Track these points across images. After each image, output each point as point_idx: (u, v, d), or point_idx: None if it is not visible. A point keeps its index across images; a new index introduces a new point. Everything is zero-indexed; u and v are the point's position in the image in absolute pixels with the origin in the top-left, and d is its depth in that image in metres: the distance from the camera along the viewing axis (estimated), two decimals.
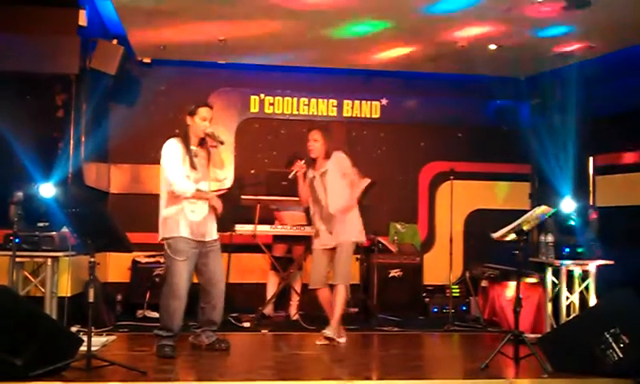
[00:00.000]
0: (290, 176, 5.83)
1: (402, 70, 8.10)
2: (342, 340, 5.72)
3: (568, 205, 6.45)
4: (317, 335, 5.89)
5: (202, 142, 5.24)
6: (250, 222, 6.69)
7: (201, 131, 5.17)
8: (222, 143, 5.21)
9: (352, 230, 5.70)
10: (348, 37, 6.74)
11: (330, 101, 8.33)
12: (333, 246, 5.69)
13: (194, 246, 5.12)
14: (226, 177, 5.45)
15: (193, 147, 5.19)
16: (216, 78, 8.08)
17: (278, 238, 7.13)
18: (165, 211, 5.13)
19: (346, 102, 8.35)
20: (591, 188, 7.44)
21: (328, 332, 5.59)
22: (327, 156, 5.74)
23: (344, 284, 5.66)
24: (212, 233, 5.26)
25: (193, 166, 5.11)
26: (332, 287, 5.74)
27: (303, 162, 5.79)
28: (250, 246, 7.07)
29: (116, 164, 7.86)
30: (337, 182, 5.71)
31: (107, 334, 5.84)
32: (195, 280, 5.31)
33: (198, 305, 5.33)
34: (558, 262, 5.99)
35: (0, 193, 5.56)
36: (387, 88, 8.38)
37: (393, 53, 7.36)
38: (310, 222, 7.07)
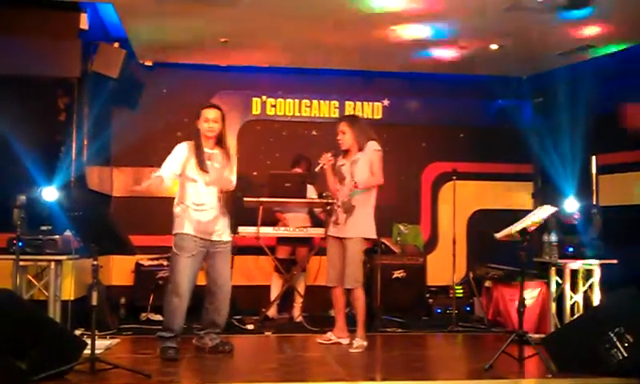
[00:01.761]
0: (316, 169, 5.87)
1: (403, 70, 8.10)
2: (346, 341, 5.72)
3: (571, 204, 6.45)
4: (321, 336, 5.89)
5: (218, 142, 5.25)
6: (253, 224, 6.68)
7: (206, 133, 5.19)
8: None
9: (361, 226, 5.64)
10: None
11: (332, 102, 8.33)
12: (343, 236, 5.65)
13: (201, 244, 5.13)
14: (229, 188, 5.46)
15: (207, 150, 5.20)
16: (218, 80, 8.08)
17: (281, 240, 7.13)
18: (174, 209, 5.20)
19: (347, 103, 8.34)
20: (594, 187, 7.43)
21: (360, 342, 5.60)
22: (360, 147, 5.68)
23: (357, 287, 5.64)
24: (221, 233, 5.25)
25: (203, 169, 5.14)
26: (348, 291, 5.74)
27: (330, 154, 5.76)
28: (253, 248, 7.07)
29: (118, 167, 7.86)
30: (365, 174, 5.64)
31: (111, 337, 5.84)
32: (203, 282, 5.32)
33: (202, 305, 5.34)
34: (561, 262, 5.98)
35: (3, 196, 5.55)
36: (389, 89, 8.38)
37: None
38: (313, 224, 7.11)
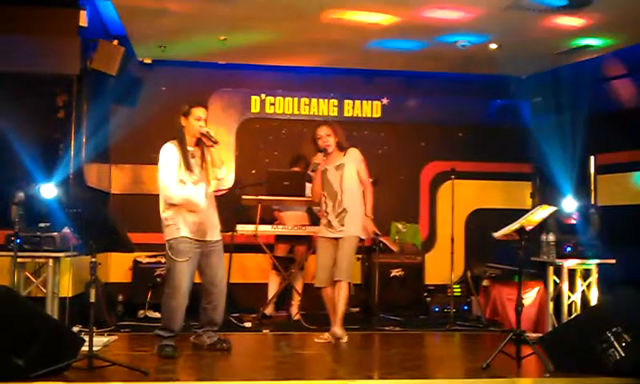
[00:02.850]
0: (312, 169, 5.87)
1: (402, 69, 8.10)
2: (345, 339, 5.72)
3: (569, 204, 6.46)
4: (318, 335, 5.90)
5: (198, 142, 5.22)
6: (252, 222, 6.69)
7: (196, 131, 5.15)
8: (216, 143, 5.18)
9: (357, 225, 5.70)
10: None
11: (331, 101, 8.33)
12: (340, 236, 5.66)
13: (197, 245, 5.11)
14: (225, 175, 5.41)
15: (190, 148, 5.17)
16: (217, 78, 8.08)
17: (279, 238, 7.13)
18: (164, 213, 5.11)
19: (346, 101, 8.35)
20: (592, 187, 7.44)
21: (337, 332, 5.64)
22: (341, 149, 5.76)
23: (347, 281, 5.66)
24: (214, 233, 5.24)
25: (189, 168, 5.10)
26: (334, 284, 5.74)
27: (323, 155, 5.77)
28: (252, 246, 7.08)
29: (117, 164, 7.86)
30: (353, 179, 5.72)
31: (108, 334, 5.84)
32: (197, 280, 5.32)
33: (199, 305, 5.33)
34: (559, 261, 5.99)
35: (1, 193, 5.57)
36: (388, 88, 8.38)
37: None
38: (312, 222, 7.11)
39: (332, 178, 5.75)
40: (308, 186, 6.95)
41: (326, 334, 5.80)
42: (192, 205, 5.06)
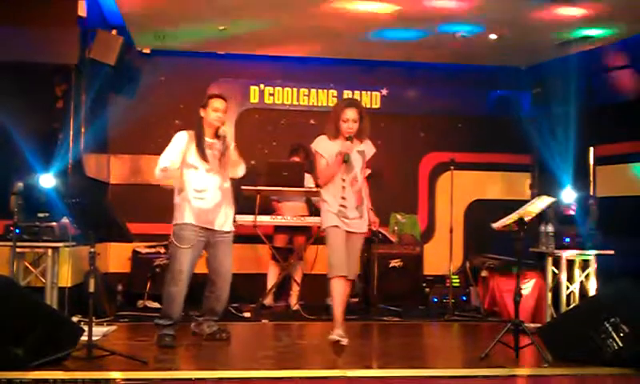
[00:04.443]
0: (344, 159, 5.03)
1: (402, 60, 8.09)
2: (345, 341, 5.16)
3: (568, 195, 6.47)
4: (317, 325, 5.89)
5: (217, 134, 5.24)
6: (251, 212, 6.69)
7: (213, 122, 5.18)
8: (225, 136, 5.22)
9: (366, 221, 5.28)
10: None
11: (330, 91, 8.31)
12: (357, 231, 5.16)
13: (201, 234, 5.14)
14: (244, 173, 5.45)
15: (208, 139, 5.21)
16: (216, 68, 8.05)
17: (278, 229, 7.13)
18: (175, 199, 5.19)
19: (346, 92, 8.31)
20: (592, 178, 7.44)
21: (342, 333, 5.11)
22: (359, 139, 5.19)
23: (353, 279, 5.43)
24: (224, 223, 5.25)
25: (203, 158, 5.14)
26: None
27: (348, 141, 5.09)
28: (251, 237, 7.07)
29: (116, 154, 7.85)
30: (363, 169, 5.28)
31: (108, 324, 5.86)
32: (204, 270, 5.33)
33: (203, 293, 5.36)
34: (558, 252, 6.00)
35: (0, 183, 5.56)
36: (387, 78, 8.36)
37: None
38: (310, 213, 7.10)
39: (355, 162, 5.16)
40: (307, 176, 6.95)
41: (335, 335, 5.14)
42: (170, 173, 5.11)
